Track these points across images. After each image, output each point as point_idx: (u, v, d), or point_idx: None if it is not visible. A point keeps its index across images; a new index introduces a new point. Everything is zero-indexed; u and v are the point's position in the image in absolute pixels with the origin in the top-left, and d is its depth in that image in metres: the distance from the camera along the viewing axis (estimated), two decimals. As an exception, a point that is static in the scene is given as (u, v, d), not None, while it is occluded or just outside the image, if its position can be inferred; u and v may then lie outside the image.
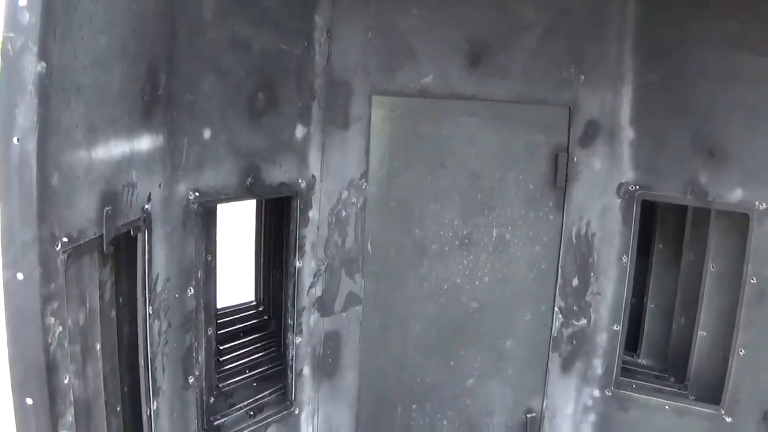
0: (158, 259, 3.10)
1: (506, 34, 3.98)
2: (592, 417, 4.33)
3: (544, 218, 4.12)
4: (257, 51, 3.46)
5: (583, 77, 4.05)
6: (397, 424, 4.21)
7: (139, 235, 2.90)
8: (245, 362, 4.31)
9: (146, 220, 2.93)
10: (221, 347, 4.34)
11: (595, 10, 4.00)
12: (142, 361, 3.03)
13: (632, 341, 4.61)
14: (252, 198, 3.69)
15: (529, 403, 4.31)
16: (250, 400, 3.96)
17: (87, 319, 2.70)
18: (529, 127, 4.04)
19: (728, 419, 4.03)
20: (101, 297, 2.82)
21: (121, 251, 2.94)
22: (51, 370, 2.30)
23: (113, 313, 2.95)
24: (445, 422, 4.25)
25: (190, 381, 3.38)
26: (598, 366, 4.27)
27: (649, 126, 4.05)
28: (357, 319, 4.08)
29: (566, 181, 4.11)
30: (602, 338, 4.25)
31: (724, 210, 4.00)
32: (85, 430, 2.70)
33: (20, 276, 2.19)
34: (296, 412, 4.00)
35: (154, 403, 3.15)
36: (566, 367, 4.31)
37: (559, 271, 4.20)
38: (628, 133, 4.08)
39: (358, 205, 3.98)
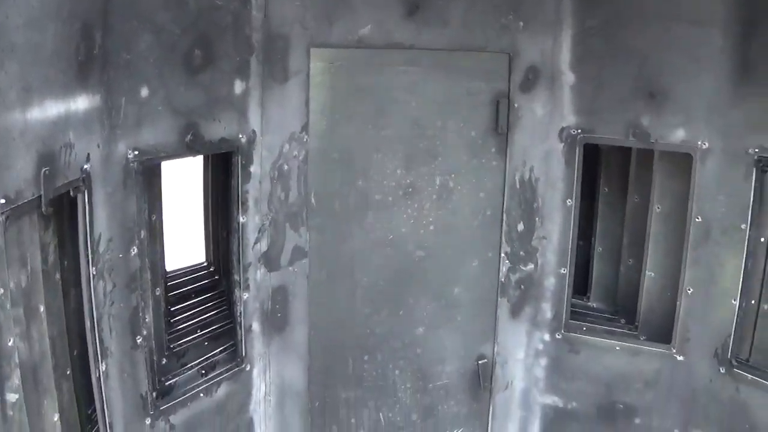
0: (100, 219, 3.33)
1: (443, -19, 4.26)
2: (543, 360, 4.76)
3: (487, 165, 4.48)
4: (192, 7, 3.67)
5: (521, 23, 4.38)
6: (350, 376, 4.59)
7: (79, 196, 3.11)
8: (197, 322, 4.65)
9: (86, 181, 3.13)
10: (172, 309, 4.66)
11: (532, -44, 4.30)
12: (88, 323, 3.26)
13: (582, 285, 5.02)
14: (192, 155, 3.93)
15: (481, 350, 4.72)
16: (202, 359, 4.28)
17: (29, 281, 2.91)
18: (469, 74, 4.36)
19: (679, 358, 4.45)
20: (44, 259, 3.03)
21: (63, 213, 3.18)
22: None
23: (57, 276, 3.17)
24: (397, 372, 4.64)
25: (139, 341, 3.64)
26: (547, 310, 4.69)
27: (590, 70, 4.40)
28: (304, 273, 4.40)
29: (508, 127, 4.46)
30: (550, 282, 4.66)
31: (667, 151, 4.37)
32: (34, 392, 2.93)
33: None
34: (247, 368, 4.33)
35: (103, 364, 3.39)
36: (516, 312, 4.72)
37: (504, 217, 4.57)
38: (568, 78, 4.44)
39: (300, 158, 4.27)
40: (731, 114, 4.13)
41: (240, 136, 4.07)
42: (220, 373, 4.23)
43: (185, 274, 5.06)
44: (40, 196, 2.77)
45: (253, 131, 4.14)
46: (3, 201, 2.53)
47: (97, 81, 3.22)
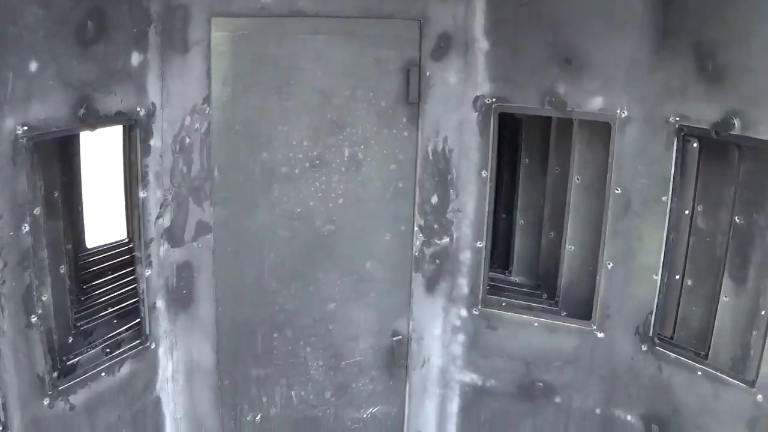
0: (-12, 196, 3.53)
1: (347, -54, 4.49)
2: (461, 337, 5.05)
3: (399, 135, 4.74)
4: (84, -21, 3.86)
5: (432, -12, 4.60)
6: (260, 353, 4.89)
7: (-34, 173, 3.34)
8: (109, 299, 4.95)
9: (-28, 157, 3.35)
10: (87, 286, 4.94)
11: None
12: (-23, 302, 3.50)
13: (504, 258, 5.28)
14: (86, 129, 4.12)
15: (395, 326, 5.02)
16: (107, 337, 4.56)
17: None
18: (377, 42, 4.60)
19: (600, 335, 4.73)
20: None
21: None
22: None
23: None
24: (308, 349, 4.93)
25: (33, 320, 3.86)
26: (463, 285, 4.97)
27: (504, 36, 4.63)
28: (209, 248, 4.68)
29: (419, 96, 4.71)
30: (466, 256, 4.93)
31: (586, 120, 4.62)
32: None
33: None
34: (152, 346, 4.62)
35: (-5, 343, 3.63)
36: (431, 287, 5.01)
37: (417, 189, 4.84)
38: (482, 45, 4.67)
39: (202, 131, 4.52)
40: (651, 81, 4.34)
41: (138, 109, 4.30)
42: (123, 352, 4.49)
43: (104, 251, 5.33)
44: None
45: (153, 104, 4.37)
46: None
47: None
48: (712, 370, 4.31)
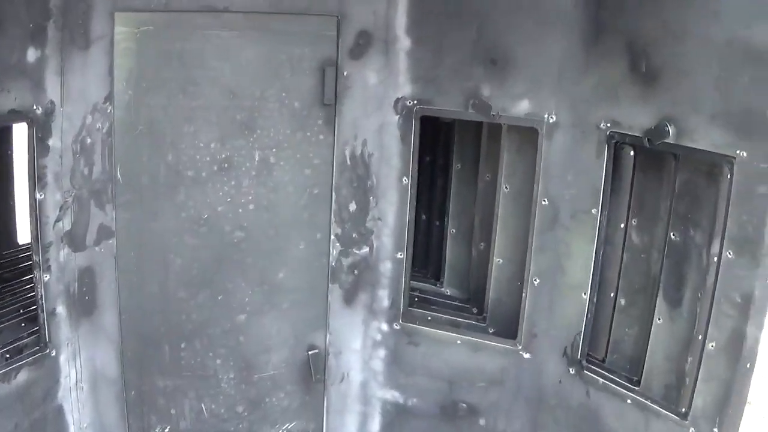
0: None
1: (259, -62, 4.62)
2: (382, 352, 5.21)
3: (314, 138, 4.88)
4: (-24, -29, 4.04)
5: (352, -18, 4.72)
6: (167, 364, 5.07)
7: None
8: (20, 303, 5.14)
9: None
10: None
11: None
12: None
13: (437, 268, 5.40)
14: None
15: (311, 339, 5.18)
16: (7, 343, 4.72)
17: None
18: (291, 39, 4.74)
19: (526, 355, 4.86)
20: None
21: None
22: None
23: None
24: (218, 361, 5.11)
25: None
26: (384, 297, 5.12)
27: (427, 34, 4.75)
28: (111, 254, 4.86)
29: (336, 97, 4.84)
30: (387, 267, 5.09)
31: (513, 124, 4.71)
32: None
33: None
34: (52, 354, 4.80)
35: None
36: (349, 299, 5.16)
37: (334, 195, 4.98)
38: (404, 43, 4.79)
39: (104, 131, 4.67)
40: (582, 83, 4.43)
41: (34, 107, 4.43)
42: (21, 359, 4.65)
43: (12, 253, 5.55)
44: None
45: (52, 102, 4.52)
46: None
47: None
48: (642, 399, 4.38)
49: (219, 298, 5.02)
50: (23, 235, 5.44)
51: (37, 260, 4.65)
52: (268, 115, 4.80)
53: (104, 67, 4.61)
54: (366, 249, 5.07)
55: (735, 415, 4.01)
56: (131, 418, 5.13)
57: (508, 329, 4.94)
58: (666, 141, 4.03)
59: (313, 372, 5.18)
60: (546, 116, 4.53)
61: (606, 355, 4.72)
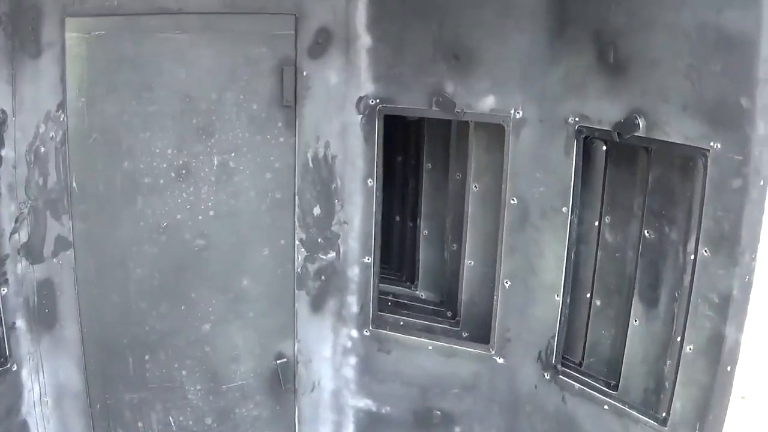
0: None
1: (212, -64, 4.49)
2: (352, 359, 5.07)
3: (274, 141, 4.72)
4: None
5: (308, -20, 4.57)
6: (132, 376, 4.93)
7: None
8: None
9: None
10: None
11: None
12: None
13: (411, 271, 5.19)
14: None
15: (279, 348, 5.02)
16: (-26, 359, 4.66)
17: None
18: (247, 39, 4.57)
19: (499, 360, 4.70)
20: None
21: None
22: None
23: None
24: (184, 372, 4.96)
25: None
26: (353, 303, 4.97)
27: (388, 30, 4.60)
28: (70, 265, 4.70)
29: (296, 98, 4.67)
30: (354, 272, 4.92)
31: (479, 121, 4.53)
32: None
33: None
34: (14, 368, 4.67)
35: None
36: (317, 306, 5.00)
37: (297, 199, 4.81)
38: (365, 41, 4.64)
39: (58, 140, 4.52)
40: (548, 77, 4.28)
41: None
42: (-18, 374, 4.59)
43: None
44: None
45: (3, 111, 4.39)
46: None
47: None
48: (620, 405, 4.21)
49: (182, 307, 4.86)
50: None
51: (-6, 274, 4.54)
52: (226, 118, 4.65)
53: (56, 74, 4.46)
54: (332, 254, 4.91)
55: (716, 421, 3.83)
56: (98, 432, 4.99)
57: (482, 333, 4.79)
58: (636, 134, 3.87)
59: (283, 381, 5.03)
60: (512, 112, 4.38)
61: (583, 359, 4.56)
